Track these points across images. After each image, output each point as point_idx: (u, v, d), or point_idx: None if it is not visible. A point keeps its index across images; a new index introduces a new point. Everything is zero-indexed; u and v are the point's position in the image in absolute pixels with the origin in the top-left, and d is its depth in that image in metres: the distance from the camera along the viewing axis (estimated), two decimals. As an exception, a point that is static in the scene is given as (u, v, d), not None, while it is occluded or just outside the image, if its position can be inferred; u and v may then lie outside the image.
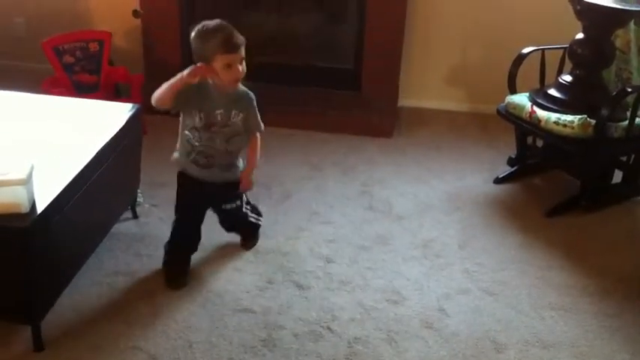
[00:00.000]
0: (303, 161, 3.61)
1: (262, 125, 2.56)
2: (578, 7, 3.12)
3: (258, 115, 2.53)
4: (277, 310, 2.51)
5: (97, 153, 2.45)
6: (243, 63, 2.40)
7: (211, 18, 4.27)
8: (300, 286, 2.64)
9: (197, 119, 2.44)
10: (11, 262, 2.10)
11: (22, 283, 2.13)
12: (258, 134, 2.58)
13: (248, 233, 2.87)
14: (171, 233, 2.66)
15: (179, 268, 2.65)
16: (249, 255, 2.81)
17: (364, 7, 3.99)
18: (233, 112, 2.46)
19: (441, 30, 4.15)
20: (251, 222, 2.83)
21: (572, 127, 3.02)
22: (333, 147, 3.78)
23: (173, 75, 4.32)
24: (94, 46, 3.82)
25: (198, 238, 2.70)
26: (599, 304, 2.64)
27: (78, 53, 3.77)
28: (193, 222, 2.65)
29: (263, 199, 3.22)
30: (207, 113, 2.44)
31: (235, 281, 2.65)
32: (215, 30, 2.36)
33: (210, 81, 2.42)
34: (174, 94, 2.37)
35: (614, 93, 3.13)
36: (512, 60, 3.40)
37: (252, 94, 2.50)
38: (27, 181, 2.08)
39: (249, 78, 4.22)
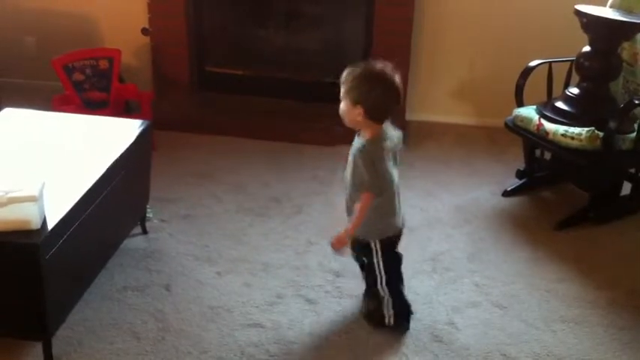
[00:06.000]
0: (313, 176, 3.62)
1: (364, 184, 2.26)
2: (585, 20, 3.13)
3: (366, 172, 2.24)
4: (287, 324, 2.51)
5: (107, 169, 2.47)
6: (343, 103, 2.25)
7: (219, 35, 4.35)
8: (309, 301, 2.64)
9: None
10: (22, 278, 2.11)
11: (34, 300, 2.14)
12: (365, 197, 2.28)
13: (371, 308, 2.53)
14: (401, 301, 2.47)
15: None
16: (258, 270, 2.81)
17: (371, 23, 4.02)
18: (350, 157, 2.34)
19: (448, 44, 4.17)
20: (375, 301, 2.48)
21: (580, 140, 3.02)
22: (341, 161, 3.76)
23: (182, 91, 4.36)
24: (103, 64, 3.85)
25: None
26: (610, 316, 2.62)
27: (88, 71, 3.81)
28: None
29: (273, 214, 3.24)
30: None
31: (245, 296, 2.66)
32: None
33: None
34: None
35: (622, 105, 3.14)
36: (519, 73, 3.41)
37: (367, 145, 2.25)
38: (38, 198, 2.10)
39: (258, 93, 4.27)
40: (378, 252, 2.39)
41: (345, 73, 2.23)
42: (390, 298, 2.45)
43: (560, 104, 3.25)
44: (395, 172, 2.33)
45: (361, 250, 2.45)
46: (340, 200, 3.35)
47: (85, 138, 2.74)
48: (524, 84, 3.39)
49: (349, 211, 2.40)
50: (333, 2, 4.26)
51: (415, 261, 2.92)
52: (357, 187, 2.30)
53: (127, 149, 2.63)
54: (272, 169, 3.67)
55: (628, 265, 2.95)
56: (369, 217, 2.32)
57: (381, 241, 2.39)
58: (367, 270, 2.49)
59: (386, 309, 2.47)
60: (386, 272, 2.42)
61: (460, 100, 4.30)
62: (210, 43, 4.37)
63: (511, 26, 4.04)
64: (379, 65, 2.22)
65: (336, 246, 2.39)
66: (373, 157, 2.24)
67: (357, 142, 2.32)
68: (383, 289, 2.44)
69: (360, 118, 2.23)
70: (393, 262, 2.45)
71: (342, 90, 2.23)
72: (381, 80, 2.19)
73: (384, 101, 2.21)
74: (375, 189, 2.26)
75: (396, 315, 2.48)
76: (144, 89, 3.93)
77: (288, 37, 4.39)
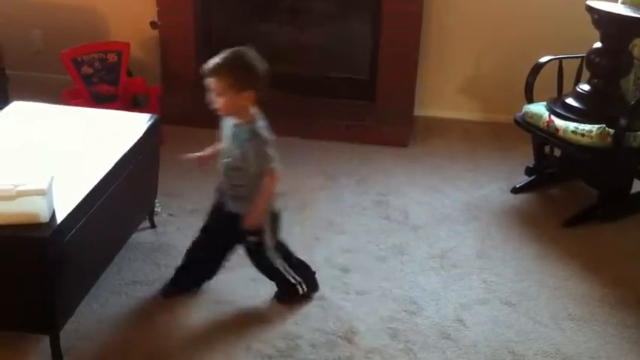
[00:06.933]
0: (319, 171, 3.61)
1: (271, 163, 2.36)
2: (597, 17, 3.11)
3: (266, 154, 2.34)
4: (294, 320, 2.51)
5: (116, 163, 2.47)
6: (224, 98, 2.28)
7: (227, 31, 4.34)
8: (316, 296, 2.64)
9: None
10: (31, 272, 2.11)
11: (42, 293, 2.14)
12: (271, 173, 2.37)
13: (278, 284, 2.62)
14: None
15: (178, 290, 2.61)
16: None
17: (379, 18, 4.00)
18: (232, 147, 2.37)
19: (457, 39, 4.14)
20: (283, 277, 2.58)
21: (591, 137, 3.00)
22: (348, 157, 3.78)
23: (189, 86, 4.35)
24: (112, 57, 3.85)
25: (213, 265, 2.63)
26: (619, 314, 2.61)
27: (96, 64, 3.80)
28: (207, 245, 2.58)
29: (279, 209, 3.22)
30: (221, 140, 2.44)
31: (251, 291, 2.65)
32: (221, 53, 2.31)
33: None
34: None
35: (633, 102, 3.12)
36: (528, 69, 3.39)
37: (256, 131, 2.33)
38: (47, 192, 2.10)
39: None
40: (271, 224, 2.47)
41: (218, 68, 2.26)
42: (289, 269, 2.56)
43: (570, 101, 3.23)
44: None
45: (253, 231, 2.45)
46: (348, 195, 3.37)
47: (93, 132, 2.74)
48: (534, 80, 3.37)
49: (232, 192, 2.43)
50: (341, -3, 4.25)
51: (423, 257, 2.91)
52: (261, 168, 2.35)
53: (136, 143, 2.63)
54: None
55: (636, 263, 2.94)
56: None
57: (272, 214, 2.48)
58: (256, 254, 2.52)
59: (292, 278, 2.57)
60: (278, 245, 2.52)
61: (468, 95, 4.29)
62: (217, 38, 4.37)
63: (520, 22, 4.02)
64: (246, 50, 2.34)
65: (256, 222, 2.40)
66: (266, 135, 2.36)
67: (240, 127, 2.36)
68: (280, 263, 2.54)
69: (247, 102, 2.32)
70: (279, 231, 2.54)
71: (223, 84, 2.26)
72: (258, 63, 2.32)
73: (265, 81, 2.33)
74: (277, 163, 2.37)
75: (305, 281, 2.60)
76: (152, 83, 3.92)
77: (296, 32, 4.37)
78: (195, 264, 2.61)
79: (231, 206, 2.45)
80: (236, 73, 2.27)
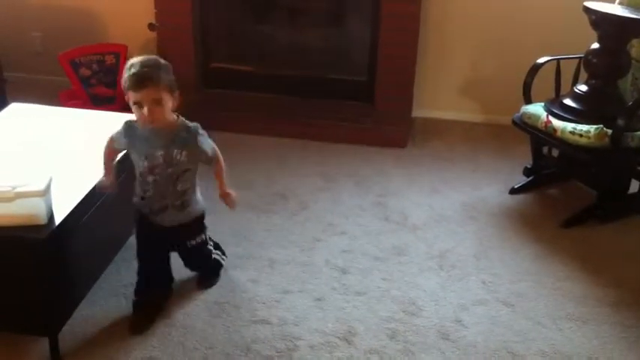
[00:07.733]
0: (318, 173, 3.62)
1: (215, 149, 2.41)
2: (594, 17, 3.12)
3: (208, 142, 2.38)
4: (293, 321, 2.51)
5: (114, 165, 2.47)
6: (163, 105, 2.24)
7: (225, 32, 4.35)
8: (315, 297, 2.64)
9: (141, 164, 2.32)
10: (29, 273, 2.12)
11: (40, 295, 2.14)
12: (218, 153, 2.43)
13: (210, 271, 2.71)
14: (138, 280, 2.52)
15: (144, 313, 2.49)
16: (264, 266, 2.81)
17: (377, 20, 4.00)
18: (175, 152, 2.30)
19: (455, 40, 4.15)
20: (215, 259, 2.69)
21: (588, 137, 3.00)
22: (347, 158, 3.78)
23: (187, 88, 4.36)
24: (110, 59, 3.85)
25: (169, 279, 2.63)
26: (617, 315, 2.61)
27: (94, 66, 3.81)
28: (158, 266, 2.56)
29: (279, 210, 3.23)
30: (149, 156, 2.30)
31: (251, 292, 2.66)
32: (133, 64, 2.23)
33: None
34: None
35: (630, 103, 3.12)
36: (526, 70, 3.40)
37: (192, 127, 2.35)
38: (45, 193, 2.10)
39: (264, 89, 4.26)
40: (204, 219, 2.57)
41: (150, 76, 2.20)
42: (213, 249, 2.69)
43: (568, 101, 3.24)
44: None
45: (197, 228, 2.54)
46: (347, 197, 3.37)
47: (91, 133, 2.74)
48: (532, 81, 3.37)
49: (177, 202, 2.40)
50: (340, -2, 4.26)
51: (422, 258, 2.91)
52: (208, 160, 2.41)
53: (134, 145, 2.62)
54: (277, 166, 3.66)
55: (634, 263, 2.94)
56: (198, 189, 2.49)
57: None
58: (202, 251, 2.61)
59: (217, 255, 2.71)
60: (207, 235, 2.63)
61: (466, 96, 4.29)
62: (216, 40, 4.37)
63: (519, 22, 4.02)
64: (152, 56, 2.33)
65: (235, 204, 2.53)
66: (200, 127, 2.39)
67: (174, 130, 2.33)
68: (212, 248, 2.68)
69: (176, 103, 2.34)
70: None
71: (161, 89, 2.22)
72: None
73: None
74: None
75: (218, 248, 2.75)
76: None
77: (295, 34, 4.37)
78: (150, 279, 2.55)
79: (173, 220, 2.42)
80: (164, 76, 2.25)
